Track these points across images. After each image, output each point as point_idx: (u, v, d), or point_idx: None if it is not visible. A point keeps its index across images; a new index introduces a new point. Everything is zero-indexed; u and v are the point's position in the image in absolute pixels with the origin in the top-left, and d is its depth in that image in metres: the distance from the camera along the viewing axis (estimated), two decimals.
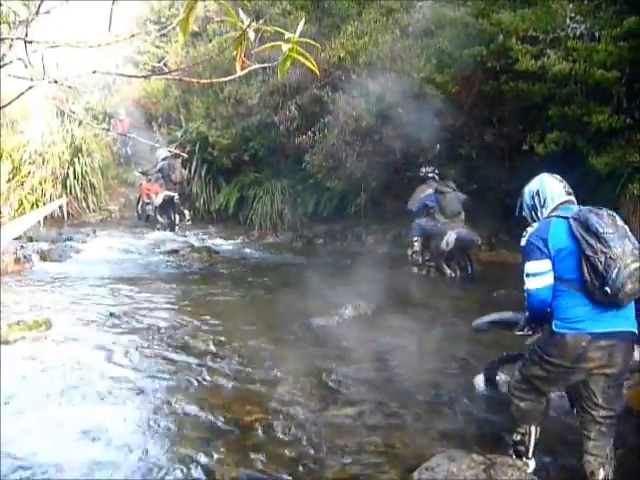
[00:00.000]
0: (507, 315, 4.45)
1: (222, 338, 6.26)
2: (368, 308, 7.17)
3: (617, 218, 3.41)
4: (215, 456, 3.84)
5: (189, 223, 14.41)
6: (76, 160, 14.19)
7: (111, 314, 6.91)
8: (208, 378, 5.17)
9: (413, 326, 6.58)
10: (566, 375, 3.48)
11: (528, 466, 3.60)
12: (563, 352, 3.39)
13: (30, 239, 11.10)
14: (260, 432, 4.20)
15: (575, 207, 3.59)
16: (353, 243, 12.14)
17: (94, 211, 14.63)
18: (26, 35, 1.71)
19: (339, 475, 3.66)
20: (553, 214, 3.57)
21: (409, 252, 9.78)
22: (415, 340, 6.15)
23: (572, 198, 3.68)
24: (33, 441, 3.92)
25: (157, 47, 19.00)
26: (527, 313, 3.70)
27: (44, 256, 9.98)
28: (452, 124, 10.50)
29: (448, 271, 9.33)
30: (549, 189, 3.69)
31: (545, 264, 3.42)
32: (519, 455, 3.67)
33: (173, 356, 5.69)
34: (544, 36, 9.09)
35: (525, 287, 3.52)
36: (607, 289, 3.22)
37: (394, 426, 4.35)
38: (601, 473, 3.39)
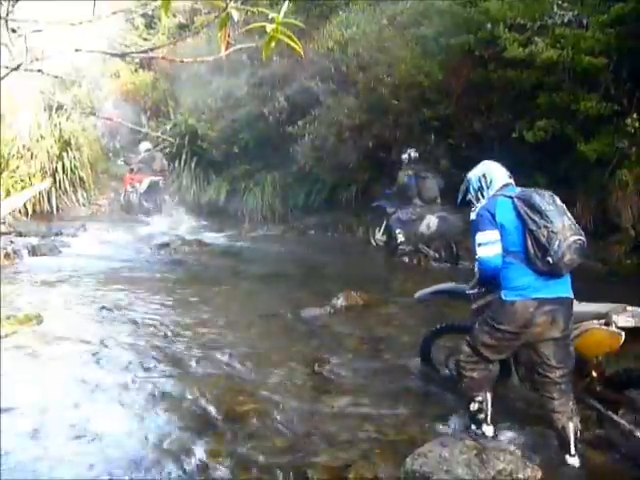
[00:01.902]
0: (448, 285, 4.76)
1: (214, 330, 6.26)
2: (360, 298, 7.18)
3: (556, 198, 3.78)
4: (207, 447, 3.84)
5: (171, 214, 14.47)
6: (65, 154, 14.10)
7: (102, 307, 6.89)
8: (200, 369, 5.17)
9: (404, 315, 6.60)
10: (512, 341, 3.80)
11: (488, 431, 3.87)
12: (513, 318, 3.71)
13: (19, 234, 11.05)
14: (253, 422, 4.20)
15: (517, 188, 3.96)
16: (344, 234, 12.14)
17: (84, 205, 14.56)
18: (7, 14, 1.70)
19: (332, 464, 3.66)
20: (498, 194, 3.91)
21: (397, 242, 9.89)
22: (406, 329, 6.17)
23: (512, 181, 4.07)
24: (24, 436, 3.91)
25: (145, 39, 18.86)
26: (478, 279, 4.05)
27: (34, 251, 9.92)
28: (441, 113, 10.50)
29: (431, 252, 9.47)
30: (494, 172, 4.08)
31: (494, 234, 3.74)
32: (479, 423, 3.92)
33: (165, 348, 5.68)
34: (532, 24, 9.11)
35: (477, 256, 3.84)
36: (549, 259, 3.56)
37: (387, 415, 4.36)
38: (571, 426, 3.67)
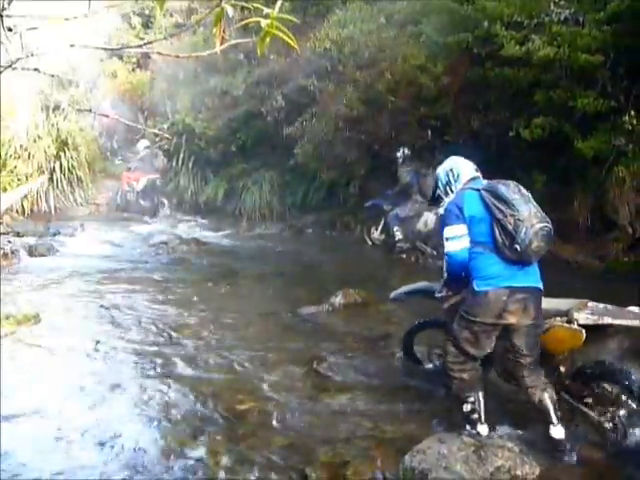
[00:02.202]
0: (422, 285, 4.81)
1: (212, 328, 6.28)
2: (358, 296, 7.18)
3: (521, 187, 3.90)
4: (207, 445, 3.85)
5: (168, 213, 14.51)
6: (62, 154, 14.09)
7: (101, 307, 6.90)
8: (199, 368, 5.18)
9: (402, 313, 6.60)
10: (491, 332, 3.85)
11: (482, 431, 3.86)
12: (487, 308, 3.77)
13: (17, 234, 11.04)
14: (252, 420, 4.21)
15: (484, 181, 4.06)
16: (342, 232, 12.15)
17: (81, 205, 14.54)
18: (3, 9, 1.70)
19: (331, 461, 3.67)
20: (466, 187, 4.03)
21: (396, 240, 9.92)
22: (404, 327, 6.16)
23: (479, 174, 4.18)
24: (23, 433, 3.92)
25: (141, 39, 18.84)
26: (446, 275, 4.14)
27: (32, 251, 9.91)
28: (438, 111, 10.51)
29: (429, 250, 9.50)
30: (460, 167, 4.21)
31: (462, 228, 3.85)
32: (473, 424, 3.90)
33: (163, 347, 5.69)
34: (528, 21, 9.11)
35: (445, 250, 3.95)
36: (517, 247, 3.65)
37: (385, 411, 4.37)
38: (546, 396, 3.81)
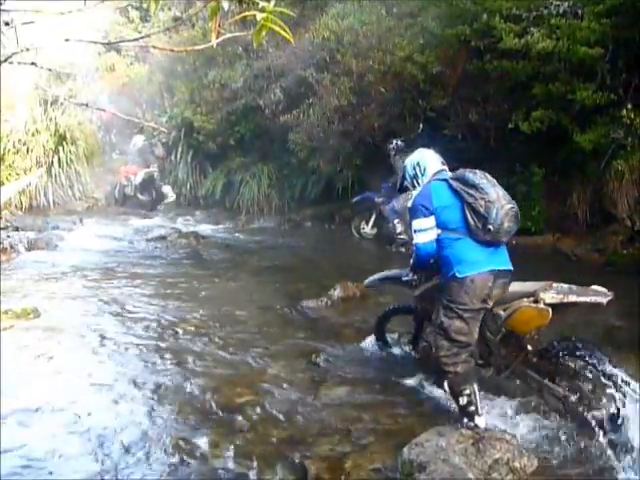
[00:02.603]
0: (395, 272, 5.00)
1: (211, 322, 6.28)
2: (357, 289, 7.18)
3: (487, 174, 4.06)
4: (206, 438, 3.86)
5: (172, 199, 14.50)
6: (61, 148, 14.07)
7: (100, 301, 6.90)
8: (198, 361, 5.19)
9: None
10: (477, 317, 3.95)
11: (480, 423, 3.85)
12: (474, 294, 3.87)
13: (16, 228, 11.03)
14: (251, 413, 4.22)
15: (449, 174, 4.18)
16: (340, 225, 12.14)
17: (80, 199, 14.52)
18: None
19: (330, 454, 3.68)
20: (432, 179, 4.18)
21: (394, 233, 9.92)
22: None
23: (445, 168, 4.30)
24: (25, 427, 3.92)
25: (139, 33, 18.79)
26: (412, 264, 4.37)
27: (31, 245, 9.91)
28: (436, 104, 10.50)
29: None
30: (427, 160, 4.34)
31: (430, 221, 4.00)
32: (470, 416, 3.89)
33: (162, 341, 5.70)
34: (527, 14, 9.09)
35: (414, 242, 4.10)
36: (490, 227, 3.82)
37: (384, 404, 4.38)
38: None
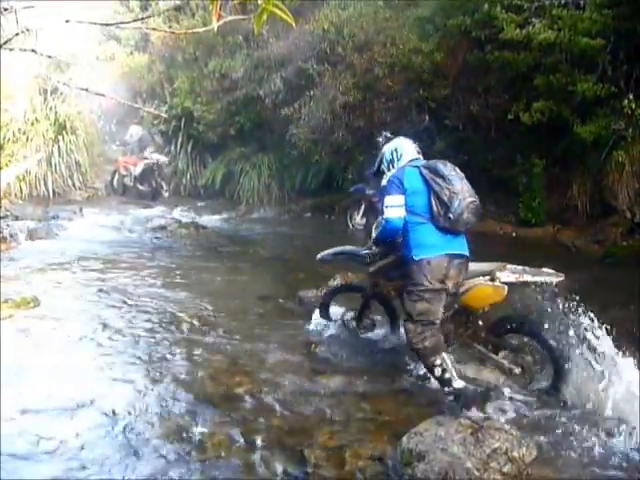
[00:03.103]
0: (348, 248, 5.27)
1: (211, 311, 6.29)
2: (357, 279, 7.17)
3: (456, 168, 4.36)
4: (205, 427, 3.86)
5: (166, 195, 14.50)
6: (60, 138, 14.02)
7: (100, 290, 6.90)
8: (197, 351, 5.19)
9: None
10: (439, 297, 4.23)
11: (458, 385, 4.11)
12: (431, 275, 4.16)
13: (16, 218, 11.02)
14: (250, 403, 4.23)
15: (423, 162, 4.50)
16: (340, 216, 12.13)
17: (80, 189, 14.47)
18: None
19: (328, 443, 3.69)
20: (407, 165, 4.48)
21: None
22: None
23: (420, 156, 4.63)
24: (27, 416, 3.93)
25: (139, 27, 18.72)
26: (376, 236, 4.72)
27: (31, 234, 9.89)
28: (437, 94, 10.48)
29: None
30: (404, 147, 4.67)
31: (400, 199, 4.30)
32: (448, 383, 4.14)
33: (162, 330, 5.70)
34: (529, 5, 9.09)
35: (384, 216, 4.37)
36: (450, 215, 4.13)
37: (383, 394, 4.39)
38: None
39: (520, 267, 4.43)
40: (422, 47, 10.35)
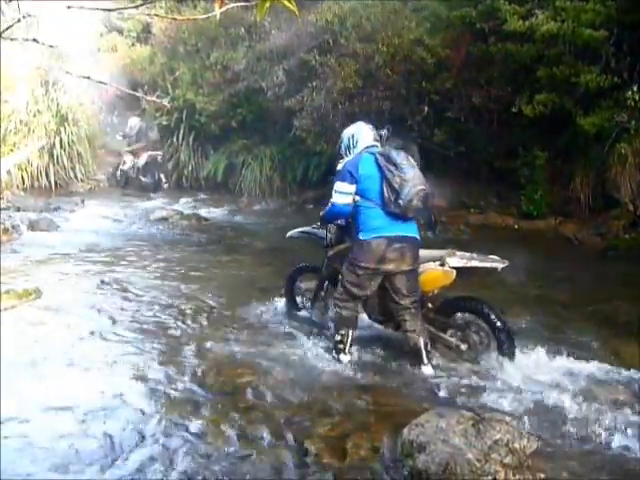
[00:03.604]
0: (311, 229, 5.52)
1: (213, 302, 6.30)
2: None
3: (410, 157, 4.60)
4: (206, 418, 3.87)
5: (165, 187, 14.50)
6: (62, 129, 14.01)
7: (102, 282, 6.90)
8: (198, 342, 5.19)
9: None
10: (372, 276, 4.59)
11: (344, 359, 4.72)
12: (369, 255, 4.51)
13: (18, 209, 11.04)
14: (251, 394, 4.23)
15: (380, 149, 4.72)
16: None
17: (82, 180, 14.47)
18: None
19: (330, 434, 3.69)
20: (364, 151, 4.69)
21: None
22: None
23: (377, 143, 4.83)
24: (25, 408, 3.93)
25: (142, 13, 18.68)
26: (322, 214, 4.97)
27: (32, 226, 9.91)
28: (441, 86, 10.45)
29: None
30: (361, 133, 4.85)
31: (350, 187, 4.56)
32: (339, 351, 4.76)
33: (164, 320, 5.71)
34: None
35: (332, 200, 4.67)
36: (400, 202, 4.39)
37: (384, 385, 4.39)
38: (421, 341, 4.62)
39: (468, 253, 4.76)
40: (425, 39, 10.31)
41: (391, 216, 4.48)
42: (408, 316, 4.65)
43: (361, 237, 4.55)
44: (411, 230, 4.59)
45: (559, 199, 9.84)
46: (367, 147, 4.74)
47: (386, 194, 4.44)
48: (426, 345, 4.63)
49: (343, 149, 4.90)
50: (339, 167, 4.78)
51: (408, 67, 10.48)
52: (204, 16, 2.36)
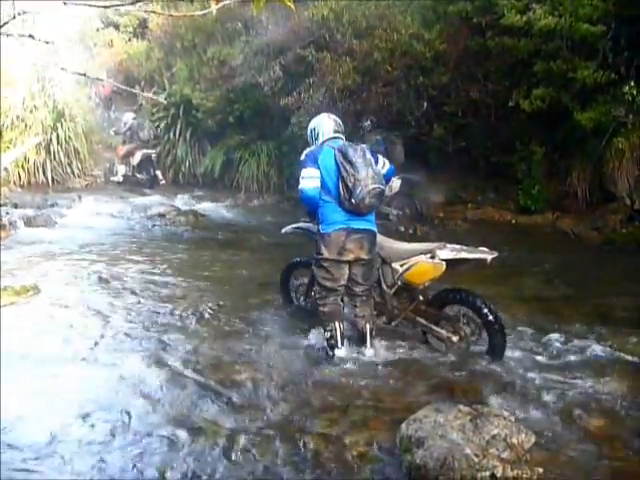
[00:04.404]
0: (304, 224, 5.58)
1: (211, 298, 6.29)
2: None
3: (367, 152, 4.73)
4: (205, 415, 3.87)
5: (163, 183, 14.47)
6: (59, 125, 13.97)
7: (99, 278, 6.90)
8: (197, 338, 5.20)
9: None
10: (338, 266, 4.76)
11: (340, 353, 4.78)
12: (330, 247, 4.71)
13: (15, 205, 11.01)
14: (249, 390, 4.23)
15: (340, 141, 4.85)
16: None
17: (79, 176, 14.42)
18: None
19: (328, 430, 3.70)
20: (325, 144, 4.84)
21: None
22: None
23: (339, 135, 4.95)
24: (26, 406, 3.93)
25: (137, 9, 18.63)
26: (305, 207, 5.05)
27: (30, 222, 9.89)
28: (438, 81, 10.44)
29: (394, 211, 9.87)
30: (323, 125, 5.00)
31: (315, 172, 4.72)
32: (332, 347, 4.80)
33: (162, 317, 5.71)
34: None
35: (300, 187, 4.82)
36: (353, 201, 4.56)
37: (383, 382, 4.39)
38: (367, 327, 4.84)
39: (458, 246, 4.83)
40: (423, 34, 10.29)
41: (347, 211, 4.67)
42: (359, 302, 4.90)
43: (322, 230, 4.76)
44: (368, 223, 4.78)
45: (556, 194, 9.85)
46: (329, 139, 4.89)
47: (341, 192, 4.62)
48: (371, 331, 4.86)
49: (310, 140, 5.09)
50: (302, 158, 4.92)
51: (406, 62, 10.45)
52: (201, 12, 2.37)
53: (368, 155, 4.73)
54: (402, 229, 9.81)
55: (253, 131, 14.17)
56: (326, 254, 4.73)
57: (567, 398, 4.09)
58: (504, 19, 9.01)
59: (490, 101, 10.11)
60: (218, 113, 14.19)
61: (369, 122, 10.59)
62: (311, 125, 5.11)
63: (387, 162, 5.10)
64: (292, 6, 1.81)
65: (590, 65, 8.63)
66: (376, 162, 4.83)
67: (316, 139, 4.98)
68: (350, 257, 4.72)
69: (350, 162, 4.58)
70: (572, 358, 4.85)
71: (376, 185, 4.61)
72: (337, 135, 4.95)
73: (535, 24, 8.73)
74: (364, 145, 4.89)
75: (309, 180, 4.73)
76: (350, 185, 4.55)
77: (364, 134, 10.39)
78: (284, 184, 13.47)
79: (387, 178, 5.01)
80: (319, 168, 4.72)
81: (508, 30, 9.17)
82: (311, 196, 4.76)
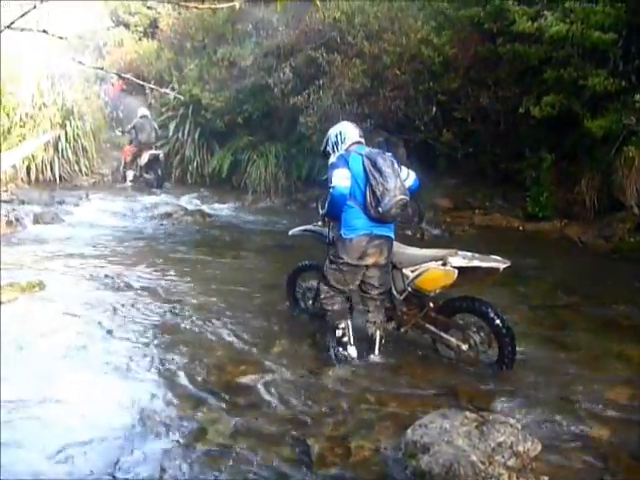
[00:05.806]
0: (313, 227, 5.56)
1: (216, 299, 6.27)
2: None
3: (394, 162, 4.77)
4: (208, 415, 3.86)
5: (169, 186, 14.49)
6: (67, 123, 14.01)
7: (105, 275, 6.90)
8: (202, 339, 5.19)
9: None
10: (355, 270, 4.78)
11: (352, 352, 4.80)
12: (351, 251, 4.70)
13: (22, 202, 11.05)
14: (254, 392, 4.22)
15: (366, 148, 4.87)
16: None
17: (86, 174, 14.49)
18: None
19: (332, 433, 3.68)
20: (350, 149, 4.82)
21: None
22: None
23: (362, 141, 4.99)
24: (30, 403, 3.93)
25: (148, 8, 18.70)
26: (325, 208, 4.91)
27: (36, 219, 9.93)
28: (448, 87, 10.43)
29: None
30: (348, 131, 4.97)
31: (348, 173, 4.63)
32: (344, 346, 4.82)
33: (167, 316, 5.71)
34: None
35: (332, 184, 4.64)
36: (380, 209, 4.56)
37: (388, 385, 4.37)
38: (378, 334, 4.84)
39: (470, 253, 4.77)
40: (433, 39, 10.28)
41: (371, 218, 4.65)
42: (373, 307, 4.91)
43: (344, 235, 4.74)
44: (389, 230, 4.79)
45: (564, 201, 9.81)
46: (354, 143, 4.90)
47: (368, 199, 4.60)
48: (381, 338, 4.85)
49: (330, 146, 5.00)
50: (332, 160, 4.87)
51: (416, 67, 10.44)
52: (226, 5, 2.36)
53: (395, 165, 4.75)
54: (409, 233, 9.78)
55: (262, 132, 14.18)
56: (346, 258, 4.73)
57: (574, 406, 4.07)
58: (515, 26, 8.98)
59: (500, 107, 10.08)
60: (227, 114, 14.23)
61: (370, 123, 10.57)
62: (335, 130, 5.03)
63: (412, 173, 5.05)
64: (318, 2, 1.80)
65: (601, 73, 8.60)
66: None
67: (342, 142, 4.91)
68: (369, 262, 4.74)
69: (380, 171, 4.57)
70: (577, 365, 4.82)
71: (403, 196, 4.61)
72: (361, 141, 4.97)
73: (546, 31, 8.70)
74: (389, 154, 4.87)
75: (342, 179, 4.65)
76: (378, 194, 4.54)
77: (365, 136, 10.43)
78: (292, 186, 13.47)
79: (412, 191, 4.95)
80: (350, 171, 4.66)
81: (519, 37, 9.15)
82: (343, 194, 4.65)
